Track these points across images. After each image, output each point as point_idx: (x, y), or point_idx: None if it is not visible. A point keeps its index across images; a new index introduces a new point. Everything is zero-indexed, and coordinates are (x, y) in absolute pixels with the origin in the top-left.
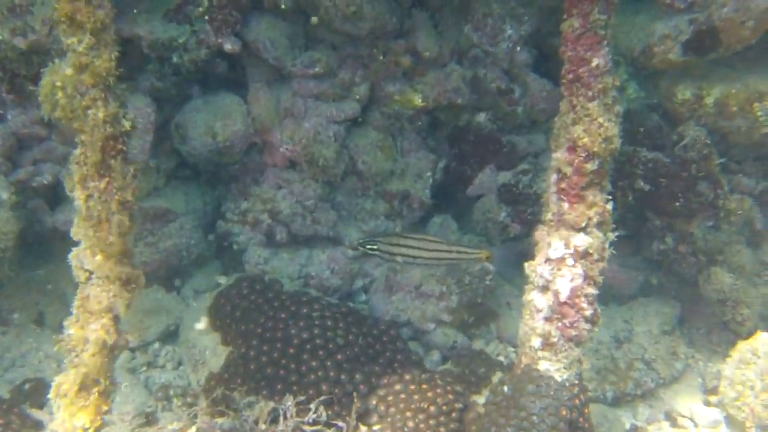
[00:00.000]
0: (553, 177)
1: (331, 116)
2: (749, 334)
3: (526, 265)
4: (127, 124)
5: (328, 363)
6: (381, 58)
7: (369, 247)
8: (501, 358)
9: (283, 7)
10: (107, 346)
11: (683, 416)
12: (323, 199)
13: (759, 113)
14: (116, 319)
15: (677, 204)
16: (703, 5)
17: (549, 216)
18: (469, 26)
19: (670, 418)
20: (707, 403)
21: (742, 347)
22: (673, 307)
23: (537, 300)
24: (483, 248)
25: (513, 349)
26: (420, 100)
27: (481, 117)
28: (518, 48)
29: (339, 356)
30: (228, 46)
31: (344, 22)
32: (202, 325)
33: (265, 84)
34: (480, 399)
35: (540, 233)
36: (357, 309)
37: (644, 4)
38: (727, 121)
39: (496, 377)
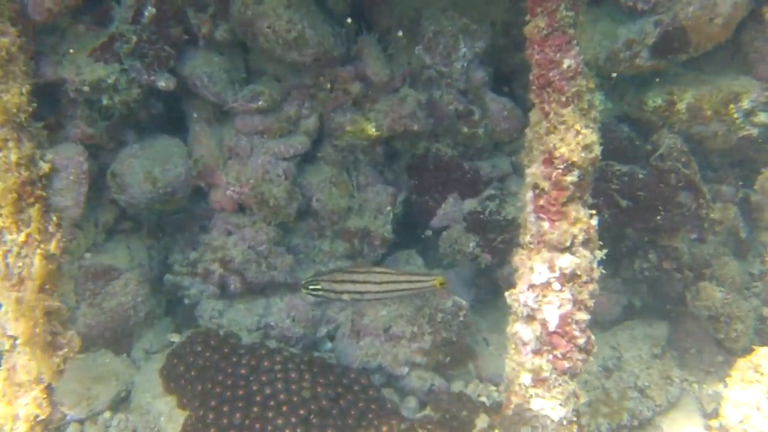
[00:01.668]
0: (529, 194)
1: (279, 153)
2: (744, 351)
3: (507, 294)
4: (45, 167)
5: (293, 419)
6: (328, 86)
7: (311, 288)
8: (483, 399)
9: (218, 38)
10: (40, 421)
11: None
12: (277, 242)
13: (735, 115)
14: (49, 390)
15: (658, 218)
16: (667, 6)
17: (528, 238)
18: (420, 47)
19: None
20: (708, 428)
21: (743, 365)
22: (659, 328)
23: (522, 332)
24: (436, 274)
25: (495, 388)
26: (373, 129)
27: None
28: (474, 66)
29: (302, 411)
30: (161, 84)
31: (286, 49)
32: (155, 388)
33: (205, 123)
34: None
35: (519, 258)
36: (322, 358)
37: (604, 9)
38: (702, 126)
39: (481, 420)
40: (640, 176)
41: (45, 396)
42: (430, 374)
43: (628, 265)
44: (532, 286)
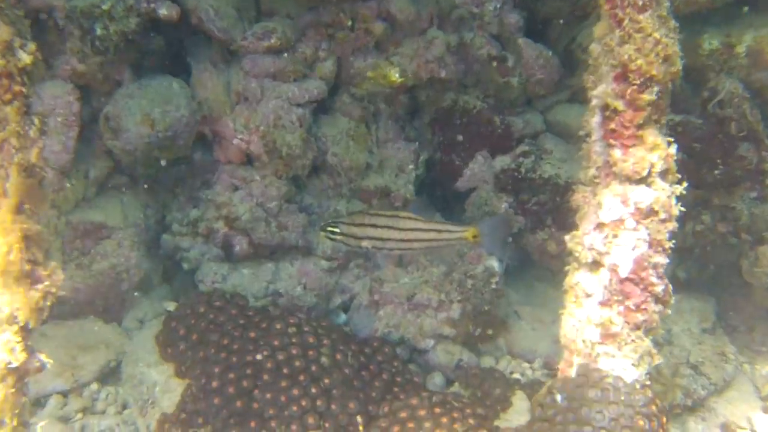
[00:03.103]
0: (596, 119)
1: (292, 97)
2: None
3: (567, 238)
4: (26, 58)
5: (313, 390)
6: (348, 24)
7: (329, 230)
8: (517, 376)
9: None
10: (13, 370)
11: (742, 428)
12: (289, 200)
13: None
14: (25, 331)
15: (716, 172)
16: None
17: (592, 172)
18: None
19: (728, 431)
20: (767, 411)
21: None
22: (708, 302)
23: (585, 282)
24: (467, 225)
25: (528, 365)
26: (397, 75)
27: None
28: (507, 8)
29: (326, 380)
30: (163, 12)
31: None
32: (150, 356)
33: (210, 64)
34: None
35: (582, 195)
36: (340, 326)
37: None
38: (763, 72)
39: (518, 398)
40: (697, 125)
41: (20, 339)
42: (458, 348)
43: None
44: (599, 225)
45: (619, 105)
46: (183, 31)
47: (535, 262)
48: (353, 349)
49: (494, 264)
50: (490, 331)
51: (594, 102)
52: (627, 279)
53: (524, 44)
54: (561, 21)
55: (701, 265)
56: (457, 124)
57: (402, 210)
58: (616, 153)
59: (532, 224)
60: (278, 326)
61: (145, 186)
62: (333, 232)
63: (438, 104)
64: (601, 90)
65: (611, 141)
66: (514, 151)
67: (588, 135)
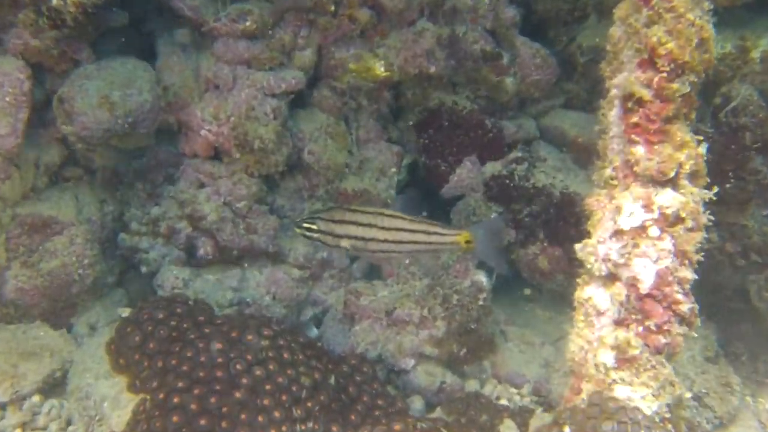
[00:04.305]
0: (615, 112)
1: (267, 87)
2: None
3: (578, 247)
4: None
5: (296, 411)
6: (331, 8)
7: (306, 227)
8: (504, 402)
9: None
10: None
11: None
12: (260, 200)
13: None
14: None
15: (727, 186)
16: None
17: (608, 172)
18: None
19: None
20: None
21: None
22: (709, 327)
23: (598, 297)
24: (461, 229)
25: (516, 391)
26: (382, 69)
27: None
28: (503, 1)
29: (308, 403)
30: None
31: None
32: (99, 366)
33: (179, 48)
34: None
35: (596, 199)
36: (314, 341)
37: None
38: None
39: (506, 427)
40: (708, 134)
41: None
42: (441, 369)
43: None
44: (617, 233)
45: (645, 95)
46: (152, 11)
47: (524, 278)
48: (330, 368)
49: (482, 278)
50: (475, 352)
51: (613, 92)
52: (648, 295)
53: (520, 43)
54: (559, 21)
55: (705, 287)
56: (445, 125)
57: (387, 209)
58: (639, 150)
59: (523, 237)
60: (250, 338)
61: (103, 179)
62: (310, 229)
63: (424, 103)
64: (623, 78)
65: (633, 136)
66: (506, 158)
67: (604, 130)
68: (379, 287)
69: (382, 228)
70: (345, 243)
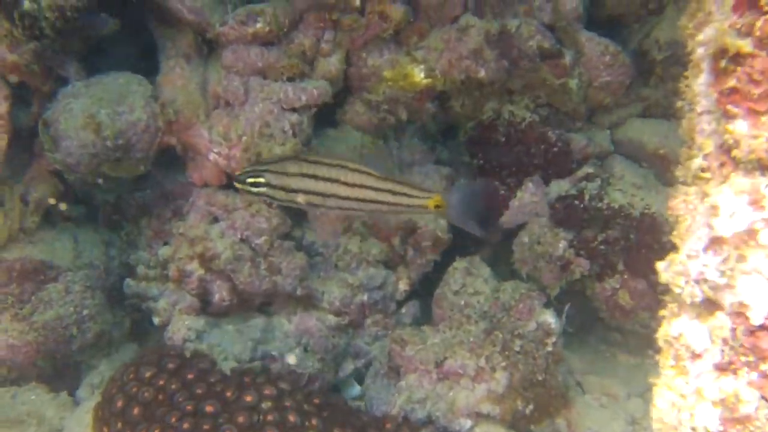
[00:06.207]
0: (703, 79)
1: (285, 99)
2: None
3: (661, 266)
4: None
5: None
6: (357, 4)
7: (250, 182)
8: None
9: None
10: None
11: None
12: (284, 235)
13: None
14: None
15: None
16: None
17: (698, 162)
18: None
19: None
20: None
21: None
22: None
23: (692, 334)
24: (432, 192)
25: None
26: (422, 75)
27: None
28: None
29: None
30: None
31: None
32: None
33: (182, 58)
34: None
35: (682, 200)
36: (342, 400)
37: None
38: None
39: None
40: None
41: None
42: (504, 431)
43: None
44: (715, 243)
45: (745, 47)
46: (153, 19)
47: (603, 319)
48: None
49: (550, 319)
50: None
51: (699, 53)
52: (763, 327)
53: (585, 39)
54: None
55: None
56: (502, 141)
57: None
58: (740, 126)
59: (598, 269)
60: (248, 399)
61: (105, 216)
62: (256, 183)
63: (476, 116)
64: (712, 31)
65: (730, 108)
66: (574, 175)
67: (690, 106)
68: (429, 334)
69: (345, 183)
70: (301, 199)
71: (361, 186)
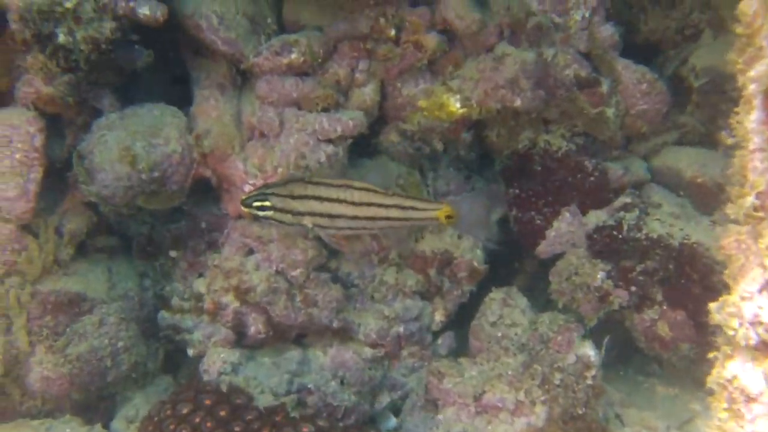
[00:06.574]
0: (756, 115)
1: (321, 130)
2: None
3: (714, 307)
4: None
5: None
6: (392, 34)
7: (257, 206)
8: None
9: None
10: None
11: None
12: (320, 267)
13: None
14: None
15: None
16: None
17: (751, 200)
18: None
19: None
20: None
21: None
22: None
23: (748, 376)
24: (440, 203)
25: None
26: (458, 105)
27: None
28: (598, 19)
29: None
30: (144, 12)
31: None
32: None
33: (217, 89)
34: None
35: (735, 239)
36: None
37: None
38: None
39: None
40: None
41: None
42: None
43: None
44: None
45: None
46: (182, 45)
47: (641, 349)
48: None
49: (590, 352)
50: None
51: (751, 89)
52: None
53: (621, 67)
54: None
55: None
56: (538, 170)
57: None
58: None
59: (637, 300)
60: None
61: (140, 248)
62: (262, 207)
63: (512, 146)
64: (765, 67)
65: None
66: (612, 205)
67: (742, 143)
68: (466, 366)
69: (351, 203)
70: (308, 221)
71: (369, 204)
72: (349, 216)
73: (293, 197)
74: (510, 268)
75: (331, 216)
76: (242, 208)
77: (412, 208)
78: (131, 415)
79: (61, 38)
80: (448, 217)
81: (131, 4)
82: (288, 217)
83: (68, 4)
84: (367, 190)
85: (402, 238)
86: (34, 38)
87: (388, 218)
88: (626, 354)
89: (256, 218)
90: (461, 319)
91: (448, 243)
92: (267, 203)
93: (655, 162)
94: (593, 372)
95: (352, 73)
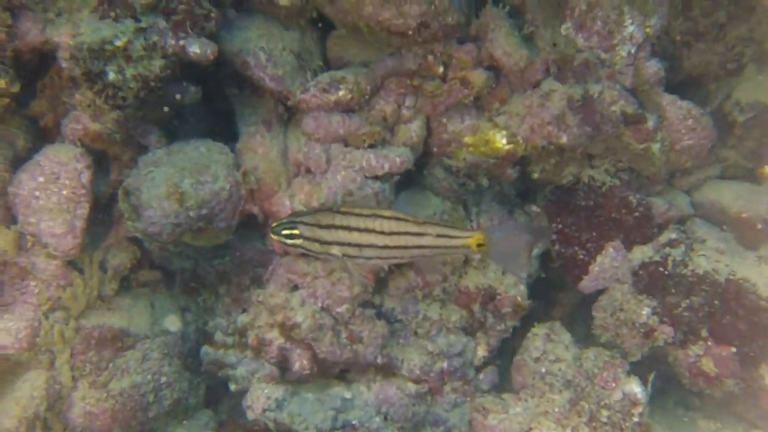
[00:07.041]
0: None
1: (368, 167)
2: None
3: None
4: None
5: None
6: (440, 71)
7: (285, 233)
8: None
9: (283, 3)
10: None
11: None
12: (365, 303)
13: None
14: None
15: None
16: None
17: None
18: (568, 23)
19: None
20: None
21: None
22: None
23: None
24: (472, 231)
25: None
26: (504, 141)
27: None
28: (644, 54)
29: None
30: (195, 50)
31: (380, 4)
32: None
33: (263, 125)
34: None
35: None
36: None
37: None
38: None
39: None
40: None
41: None
42: None
43: None
44: None
45: None
46: (232, 85)
47: (684, 384)
48: None
49: (636, 388)
50: None
51: None
52: None
53: (666, 103)
54: (710, 76)
55: None
56: (582, 206)
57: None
58: None
59: (682, 336)
60: None
61: (183, 283)
62: (291, 235)
63: (556, 181)
64: None
65: None
66: (657, 240)
67: None
68: (510, 402)
69: (381, 233)
70: (336, 251)
71: (399, 233)
72: (378, 246)
73: (321, 226)
74: (548, 301)
75: (360, 246)
76: (271, 235)
77: (444, 236)
78: None
79: (112, 76)
80: (480, 245)
81: (181, 42)
82: (316, 246)
83: (119, 43)
84: (398, 218)
85: (434, 267)
86: (83, 76)
87: (420, 246)
88: (666, 386)
89: (284, 244)
90: (500, 351)
91: (492, 279)
92: (296, 231)
93: (697, 196)
94: (640, 409)
95: (398, 110)
